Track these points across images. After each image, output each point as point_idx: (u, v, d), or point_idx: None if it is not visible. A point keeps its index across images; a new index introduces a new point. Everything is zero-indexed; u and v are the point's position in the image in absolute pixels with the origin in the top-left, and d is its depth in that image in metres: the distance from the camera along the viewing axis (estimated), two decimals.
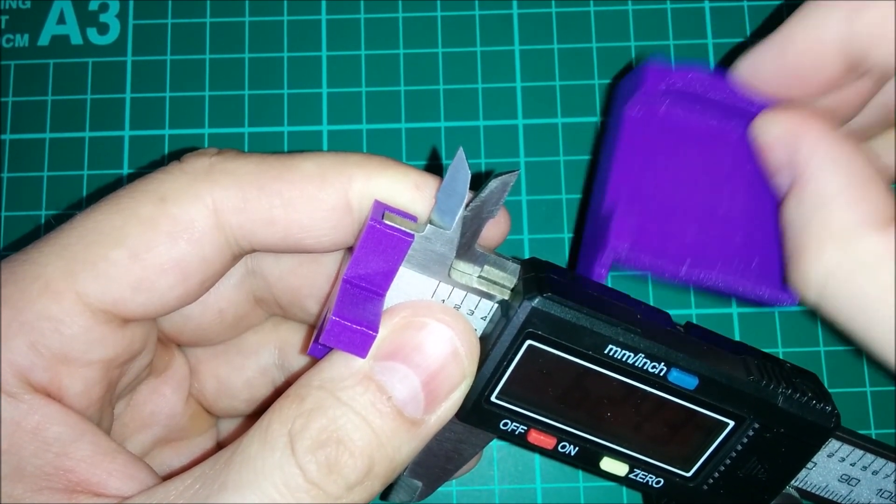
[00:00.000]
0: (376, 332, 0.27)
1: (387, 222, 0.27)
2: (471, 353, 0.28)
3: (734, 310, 0.44)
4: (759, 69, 0.31)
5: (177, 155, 0.30)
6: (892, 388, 0.44)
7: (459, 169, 0.26)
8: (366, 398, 0.26)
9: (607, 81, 0.47)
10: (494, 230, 0.30)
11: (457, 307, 0.29)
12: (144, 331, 0.30)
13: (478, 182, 0.30)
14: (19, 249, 0.29)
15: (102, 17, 0.48)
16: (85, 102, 0.47)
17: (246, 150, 0.46)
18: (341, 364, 0.27)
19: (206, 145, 0.46)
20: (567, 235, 0.46)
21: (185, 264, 0.28)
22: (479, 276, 0.29)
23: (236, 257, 0.30)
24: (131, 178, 0.46)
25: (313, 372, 0.27)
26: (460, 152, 0.26)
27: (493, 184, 0.28)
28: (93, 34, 0.48)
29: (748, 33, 0.48)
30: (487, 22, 0.48)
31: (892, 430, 0.43)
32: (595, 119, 0.46)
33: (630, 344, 0.28)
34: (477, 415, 0.29)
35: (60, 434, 0.26)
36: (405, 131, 0.47)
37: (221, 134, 0.47)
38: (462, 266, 0.29)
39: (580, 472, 0.44)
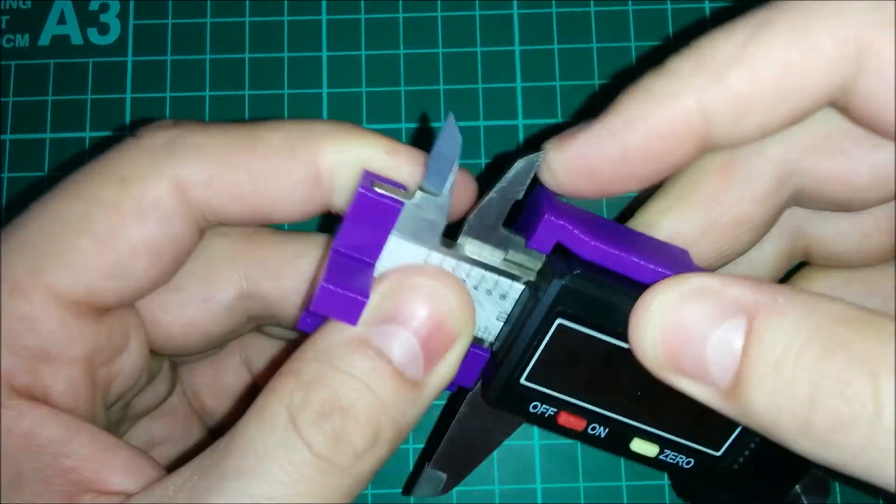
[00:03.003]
0: (367, 297, 0.26)
1: (376, 189, 0.27)
2: (465, 310, 0.27)
3: None
4: (589, 160, 0.27)
5: (133, 127, 0.29)
6: None
7: (450, 133, 0.26)
8: (365, 364, 0.25)
9: (607, 81, 0.47)
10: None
11: (488, 292, 0.29)
12: (123, 322, 0.29)
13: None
14: None
15: (103, 17, 0.48)
16: (85, 102, 0.47)
17: None
18: (335, 334, 0.26)
19: None
20: None
21: (155, 245, 0.27)
22: (505, 259, 0.29)
23: (203, 231, 0.29)
24: None
25: (306, 346, 0.27)
26: (451, 117, 0.26)
27: (519, 165, 0.27)
28: (93, 34, 0.48)
29: None
30: (487, 22, 0.48)
31: None
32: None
33: None
34: (506, 399, 0.29)
35: (54, 435, 0.26)
36: (405, 131, 0.47)
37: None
38: (488, 248, 0.29)
39: (580, 472, 0.44)
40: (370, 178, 0.27)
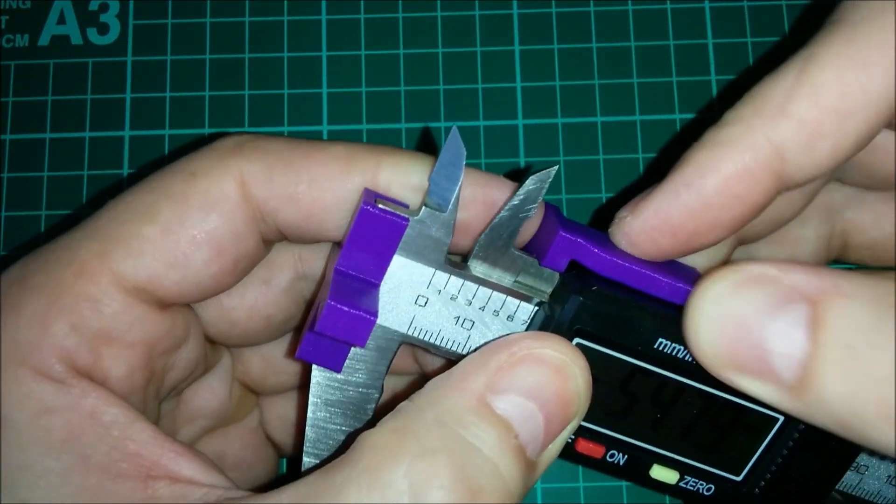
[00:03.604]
0: (376, 317, 0.25)
1: (380, 207, 0.26)
2: (587, 390, 0.26)
3: None
4: (670, 217, 0.27)
5: (177, 154, 0.30)
6: None
7: (454, 147, 0.26)
8: (493, 437, 0.24)
9: (607, 81, 0.47)
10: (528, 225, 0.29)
11: (495, 312, 0.28)
12: (185, 318, 0.30)
13: (516, 178, 0.29)
14: (21, 250, 0.29)
15: (102, 17, 0.48)
16: (85, 102, 0.47)
17: None
18: (457, 393, 0.25)
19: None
20: None
21: (217, 238, 0.28)
22: (517, 280, 0.28)
23: (267, 242, 0.30)
24: (131, 177, 0.46)
25: (423, 403, 0.25)
26: (454, 131, 0.26)
27: (530, 182, 0.27)
28: (93, 34, 0.48)
29: (748, 33, 0.48)
30: (487, 22, 0.48)
31: None
32: (595, 119, 0.46)
33: (680, 336, 0.26)
34: None
35: (117, 416, 0.26)
36: (405, 131, 0.47)
37: (222, 134, 0.47)
38: (499, 268, 0.28)
39: (580, 472, 0.44)
40: (372, 196, 0.27)
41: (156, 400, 0.30)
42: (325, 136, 0.47)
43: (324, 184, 0.28)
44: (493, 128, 0.47)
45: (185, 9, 0.48)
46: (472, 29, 0.48)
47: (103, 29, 0.48)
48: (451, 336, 0.29)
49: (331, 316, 0.25)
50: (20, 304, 0.26)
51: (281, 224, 0.29)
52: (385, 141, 0.46)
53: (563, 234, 0.27)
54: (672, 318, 0.27)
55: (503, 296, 0.28)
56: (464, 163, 0.26)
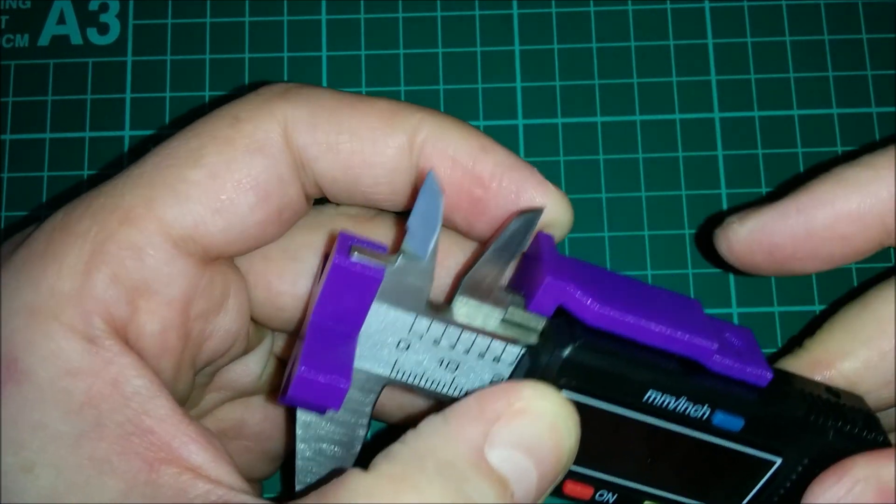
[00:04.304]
0: (349, 382, 0.25)
1: (353, 257, 0.25)
2: (577, 443, 0.26)
3: (734, 310, 0.45)
4: (773, 234, 0.27)
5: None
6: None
7: (431, 193, 0.25)
8: (492, 495, 0.24)
9: (607, 81, 0.47)
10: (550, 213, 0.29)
11: (480, 355, 0.28)
12: (225, 277, 0.29)
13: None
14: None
15: (102, 17, 0.48)
16: (85, 102, 0.47)
17: None
18: (452, 442, 0.24)
19: None
20: (567, 235, 0.45)
21: (262, 182, 0.28)
22: (503, 320, 0.27)
23: (308, 197, 0.30)
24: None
25: (419, 450, 0.24)
26: (430, 175, 0.25)
27: (515, 224, 0.26)
28: (93, 34, 0.48)
29: (748, 33, 0.48)
30: (487, 22, 0.48)
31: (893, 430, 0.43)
32: (595, 119, 0.46)
33: (671, 388, 0.26)
34: None
35: (139, 388, 0.25)
36: None
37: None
38: (484, 310, 0.27)
39: None
40: (347, 242, 0.26)
41: (191, 369, 0.29)
42: None
43: (365, 137, 0.28)
44: (493, 128, 0.47)
45: (185, 9, 0.48)
46: (472, 29, 0.48)
47: (103, 29, 0.48)
48: (435, 378, 0.28)
49: (302, 384, 0.25)
50: (63, 251, 0.26)
51: (319, 175, 0.29)
52: None
53: (551, 280, 0.26)
54: (662, 369, 0.26)
55: (488, 339, 0.27)
56: (441, 209, 0.25)
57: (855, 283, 0.45)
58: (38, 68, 0.47)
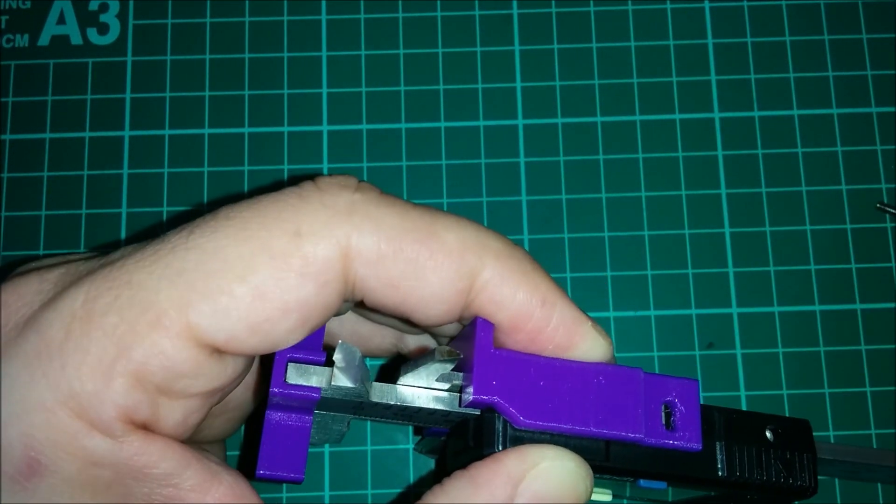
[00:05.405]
0: (302, 476, 0.29)
1: (289, 383, 0.27)
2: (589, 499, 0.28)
3: (734, 310, 0.45)
4: None
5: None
6: (892, 388, 0.44)
7: (347, 356, 0.27)
8: None
9: (607, 81, 0.47)
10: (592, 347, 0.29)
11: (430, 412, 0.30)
12: (248, 362, 0.29)
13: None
14: (18, 249, 0.28)
15: (102, 17, 0.48)
16: (85, 102, 0.47)
17: (245, 150, 0.46)
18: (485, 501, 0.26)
19: (205, 145, 0.46)
20: (567, 236, 0.46)
21: (308, 308, 0.26)
22: (448, 389, 0.29)
23: (345, 305, 0.29)
24: (132, 179, 0.46)
25: None
26: (341, 346, 0.27)
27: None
28: (93, 34, 0.48)
29: (748, 33, 0.48)
30: (487, 22, 0.48)
31: (893, 430, 0.43)
32: (595, 119, 0.46)
33: (596, 465, 0.28)
34: None
35: (166, 469, 0.25)
36: (405, 131, 0.47)
37: (221, 134, 0.47)
38: (422, 383, 0.29)
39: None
40: (283, 361, 0.28)
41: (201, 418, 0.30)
42: (324, 136, 0.47)
43: (428, 277, 0.27)
44: (493, 128, 0.47)
45: (185, 9, 0.48)
46: (472, 29, 0.48)
47: (103, 29, 0.48)
48: (395, 420, 0.31)
49: (264, 476, 0.29)
50: (84, 347, 0.25)
51: (368, 300, 0.28)
52: (385, 140, 0.46)
53: (477, 394, 0.27)
54: (586, 448, 0.28)
55: (433, 406, 0.29)
56: (357, 362, 0.27)
57: (854, 282, 0.45)
58: (38, 68, 0.47)
